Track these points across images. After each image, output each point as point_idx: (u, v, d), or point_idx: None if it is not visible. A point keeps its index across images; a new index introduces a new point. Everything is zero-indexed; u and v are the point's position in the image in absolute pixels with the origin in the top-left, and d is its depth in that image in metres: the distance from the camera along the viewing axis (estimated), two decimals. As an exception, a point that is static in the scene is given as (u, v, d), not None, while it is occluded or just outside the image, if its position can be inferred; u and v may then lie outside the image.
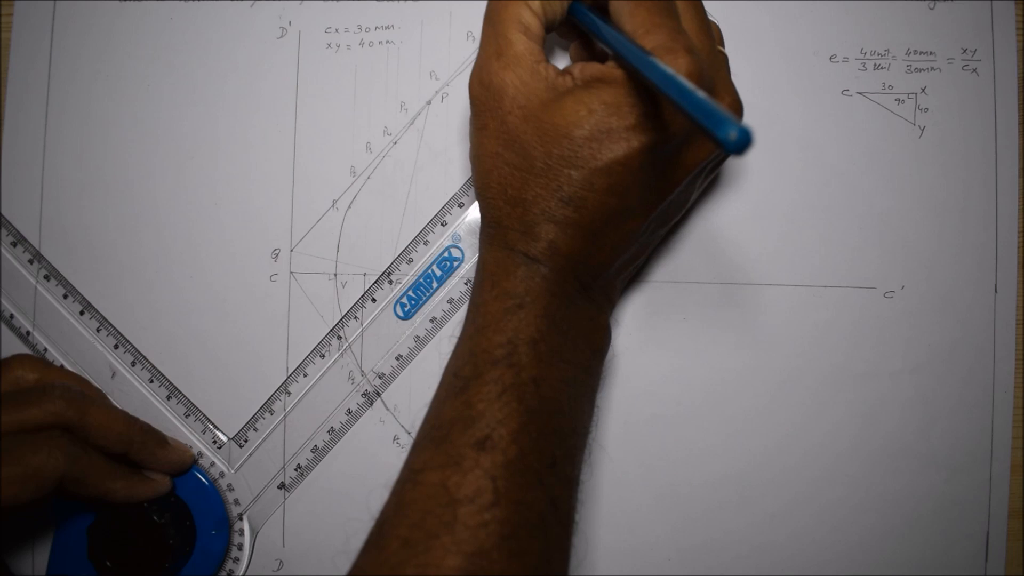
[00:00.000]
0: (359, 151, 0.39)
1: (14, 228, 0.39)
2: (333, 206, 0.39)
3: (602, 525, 0.38)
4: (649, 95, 0.29)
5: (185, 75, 0.39)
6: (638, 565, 0.38)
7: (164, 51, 0.39)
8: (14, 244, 0.39)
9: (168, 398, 0.38)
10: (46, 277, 0.39)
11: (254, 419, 0.38)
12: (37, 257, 0.39)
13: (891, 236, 0.38)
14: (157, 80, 0.39)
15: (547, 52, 0.38)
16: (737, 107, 0.32)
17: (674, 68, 0.27)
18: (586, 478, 0.38)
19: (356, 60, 0.39)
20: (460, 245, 0.38)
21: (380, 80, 0.39)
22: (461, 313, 0.38)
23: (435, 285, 0.38)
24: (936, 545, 0.37)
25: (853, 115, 0.38)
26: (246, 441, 0.38)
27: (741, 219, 0.38)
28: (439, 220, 0.38)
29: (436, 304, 0.38)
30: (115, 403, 0.38)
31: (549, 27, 0.32)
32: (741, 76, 0.38)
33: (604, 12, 0.31)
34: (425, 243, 0.38)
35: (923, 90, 0.38)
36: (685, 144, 0.30)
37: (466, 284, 0.38)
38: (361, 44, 0.39)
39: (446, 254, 0.38)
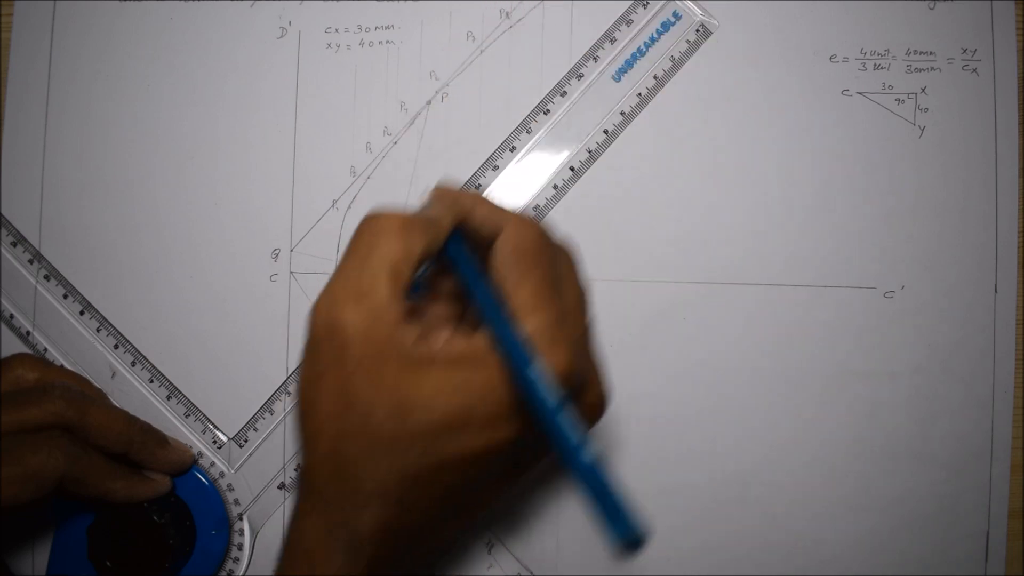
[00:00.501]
0: (359, 151, 0.39)
1: (14, 228, 0.39)
2: (333, 206, 0.39)
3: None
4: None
5: (185, 75, 0.39)
6: (637, 565, 0.38)
7: (164, 51, 0.39)
8: (14, 244, 0.39)
9: (168, 398, 0.38)
10: (46, 277, 0.39)
11: (254, 419, 0.38)
12: (37, 257, 0.39)
13: (891, 236, 0.38)
14: (157, 80, 0.39)
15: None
16: (604, 401, 0.29)
17: (550, 363, 0.25)
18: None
19: (356, 60, 0.39)
20: None
21: (380, 80, 0.39)
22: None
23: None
24: (936, 545, 0.37)
25: (853, 115, 0.38)
26: (246, 441, 0.38)
27: (740, 219, 0.38)
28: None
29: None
30: (115, 403, 0.38)
31: (418, 267, 0.28)
32: (741, 76, 0.38)
33: (480, 257, 0.28)
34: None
35: (923, 90, 0.38)
36: (534, 442, 0.27)
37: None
38: (361, 44, 0.39)
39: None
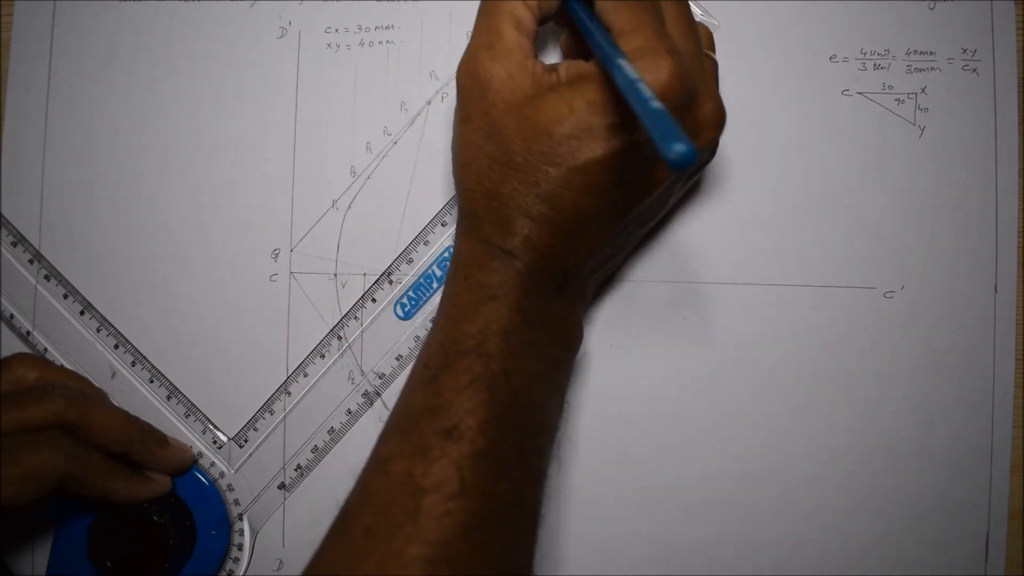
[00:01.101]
0: (359, 151, 0.39)
1: (14, 228, 0.39)
2: (333, 206, 0.39)
3: (600, 525, 0.38)
4: None
5: (185, 75, 0.39)
6: (638, 565, 0.38)
7: (164, 51, 0.39)
8: (14, 244, 0.39)
9: (168, 398, 0.38)
10: (46, 277, 0.39)
11: (254, 419, 0.38)
12: (37, 257, 0.39)
13: (891, 236, 0.38)
14: (157, 80, 0.39)
15: (541, 42, 0.38)
16: (718, 115, 0.31)
17: (656, 70, 0.28)
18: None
19: (356, 60, 0.39)
20: None
21: (380, 80, 0.39)
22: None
23: (435, 285, 0.38)
24: (936, 545, 0.37)
25: (853, 115, 0.38)
26: (246, 441, 0.38)
27: (740, 219, 0.38)
28: (439, 220, 0.38)
29: (436, 304, 0.38)
30: (115, 403, 0.38)
31: (543, 20, 0.32)
32: (741, 76, 0.38)
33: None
34: (425, 243, 0.38)
35: (923, 90, 0.38)
36: (644, 165, 0.30)
37: None
38: (361, 44, 0.39)
39: (446, 254, 0.38)
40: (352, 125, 0.39)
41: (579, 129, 0.29)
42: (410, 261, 0.38)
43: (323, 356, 0.38)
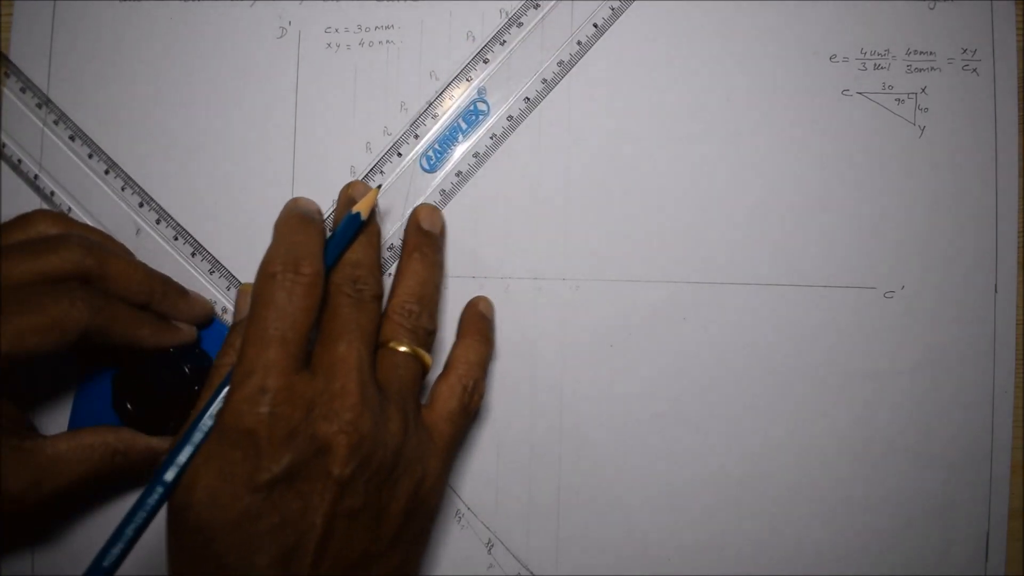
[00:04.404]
0: (359, 151, 0.39)
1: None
2: (333, 206, 0.39)
3: (600, 525, 0.38)
4: None
5: (185, 75, 0.39)
6: (638, 565, 0.38)
7: (164, 51, 0.39)
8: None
9: (192, 255, 0.39)
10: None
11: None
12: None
13: (891, 236, 0.38)
14: (157, 80, 0.39)
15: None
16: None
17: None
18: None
19: (356, 60, 0.39)
20: (486, 98, 0.38)
21: (380, 80, 0.39)
22: (484, 169, 0.38)
23: (460, 138, 0.38)
24: (936, 545, 0.37)
25: (853, 115, 0.38)
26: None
27: (740, 219, 0.38)
28: (464, 76, 0.38)
29: (462, 158, 0.38)
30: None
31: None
32: (741, 76, 0.38)
33: None
34: (451, 97, 0.38)
35: (923, 90, 0.38)
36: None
37: (491, 139, 0.38)
38: (361, 44, 0.39)
39: (472, 107, 0.38)
40: (352, 125, 0.39)
41: None
42: (435, 116, 0.38)
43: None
